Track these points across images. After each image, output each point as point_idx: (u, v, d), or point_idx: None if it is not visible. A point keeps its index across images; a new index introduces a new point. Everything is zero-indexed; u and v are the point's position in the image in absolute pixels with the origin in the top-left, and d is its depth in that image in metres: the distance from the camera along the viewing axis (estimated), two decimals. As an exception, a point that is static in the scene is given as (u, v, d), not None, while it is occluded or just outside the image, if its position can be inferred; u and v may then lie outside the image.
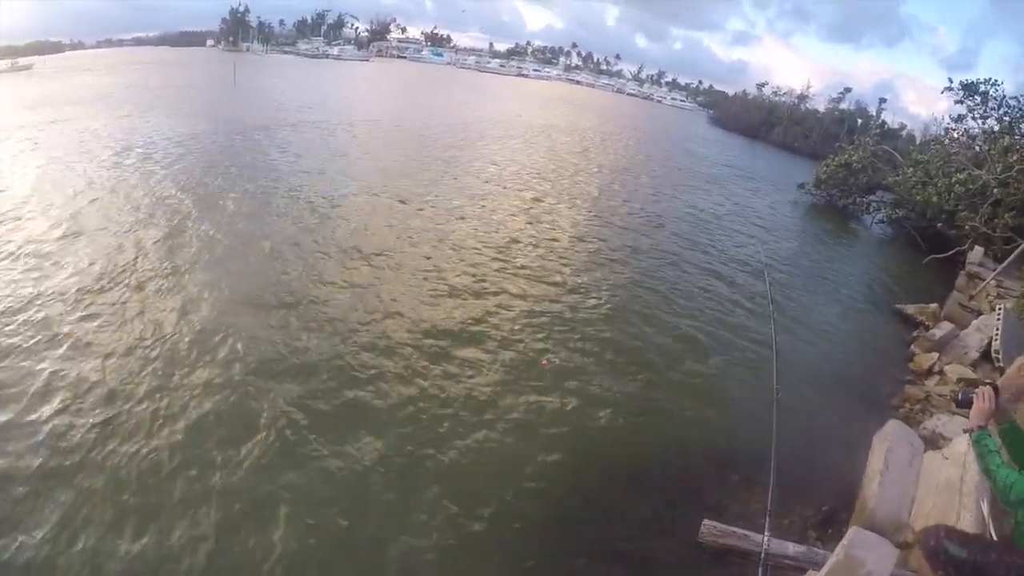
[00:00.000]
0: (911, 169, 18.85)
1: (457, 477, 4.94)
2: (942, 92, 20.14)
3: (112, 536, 4.03)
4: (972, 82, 19.18)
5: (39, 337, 6.28)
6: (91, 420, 5.08)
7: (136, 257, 8.47)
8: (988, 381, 2.98)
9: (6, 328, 6.39)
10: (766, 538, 3.58)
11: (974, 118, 19.49)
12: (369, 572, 4.03)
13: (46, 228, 9.34)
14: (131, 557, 3.88)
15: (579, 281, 9.48)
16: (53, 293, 7.23)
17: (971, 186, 15.86)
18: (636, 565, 4.30)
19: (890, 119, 55.44)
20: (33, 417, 5.07)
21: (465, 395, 6.07)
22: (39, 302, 7.00)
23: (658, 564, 4.32)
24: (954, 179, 16.31)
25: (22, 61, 48.03)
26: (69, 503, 4.23)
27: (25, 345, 6.10)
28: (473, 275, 9.19)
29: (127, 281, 7.72)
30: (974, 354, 8.36)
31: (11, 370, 5.68)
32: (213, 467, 4.70)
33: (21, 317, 6.64)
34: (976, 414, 2.74)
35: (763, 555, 3.51)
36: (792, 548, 3.86)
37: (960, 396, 3.01)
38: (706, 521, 4.22)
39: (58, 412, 5.15)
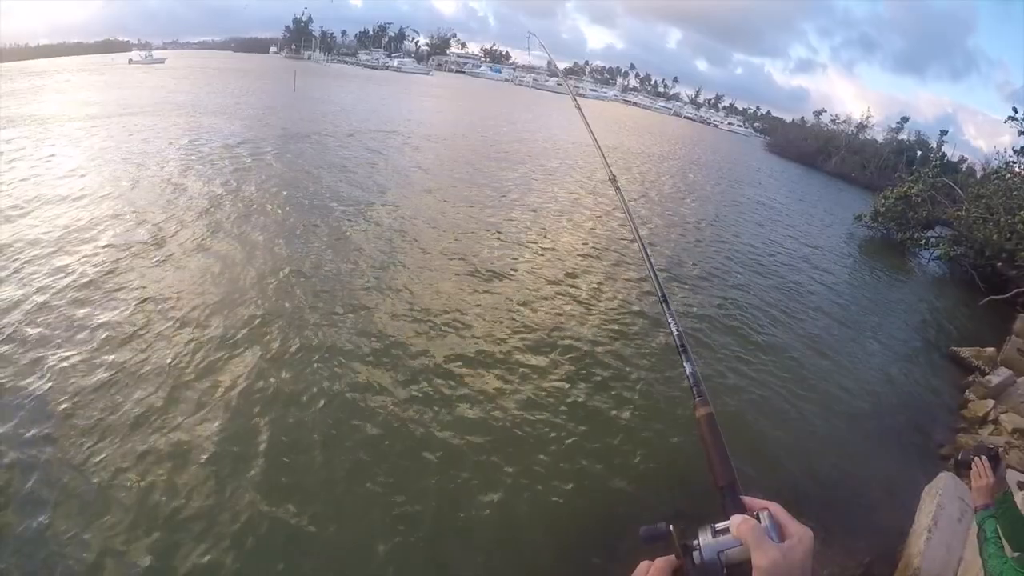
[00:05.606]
0: (972, 204, 18.16)
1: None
2: (1005, 121, 19.56)
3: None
4: (1037, 113, 18.53)
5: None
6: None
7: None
8: (990, 446, 2.51)
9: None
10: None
11: (1039, 151, 18.79)
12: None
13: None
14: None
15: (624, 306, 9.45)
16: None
17: (1034, 224, 15.17)
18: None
19: (950, 152, 53.47)
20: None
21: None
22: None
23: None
24: (1017, 217, 15.64)
25: (156, 55, 61.53)
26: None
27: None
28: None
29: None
30: (1033, 405, 8.00)
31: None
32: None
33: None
34: (976, 492, 2.43)
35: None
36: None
37: (960, 457, 2.64)
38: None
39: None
